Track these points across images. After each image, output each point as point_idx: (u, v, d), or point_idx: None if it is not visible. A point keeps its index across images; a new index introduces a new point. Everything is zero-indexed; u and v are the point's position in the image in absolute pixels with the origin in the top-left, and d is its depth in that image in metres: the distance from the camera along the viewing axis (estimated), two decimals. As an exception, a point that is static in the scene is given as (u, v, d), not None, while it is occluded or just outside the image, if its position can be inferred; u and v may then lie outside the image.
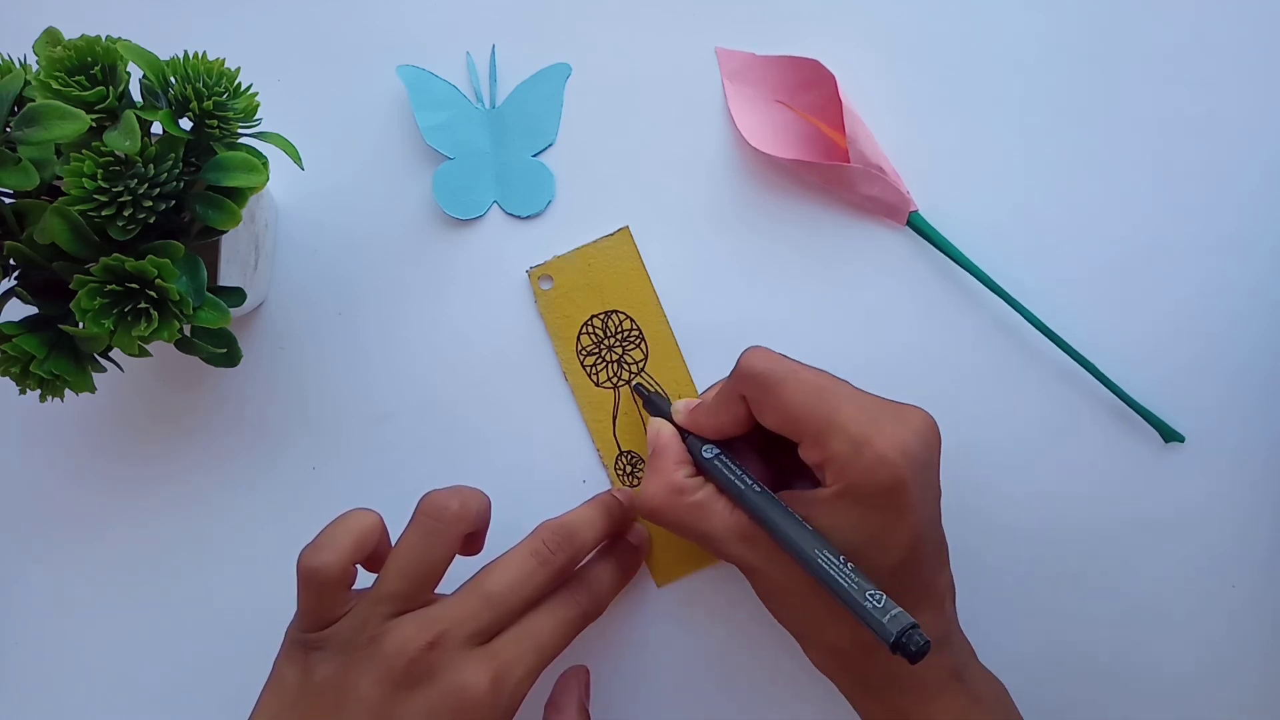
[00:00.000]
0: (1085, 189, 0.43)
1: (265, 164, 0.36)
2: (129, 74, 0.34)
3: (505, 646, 0.35)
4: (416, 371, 0.44)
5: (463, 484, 0.38)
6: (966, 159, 0.43)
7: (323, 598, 0.35)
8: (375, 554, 0.36)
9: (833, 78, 0.42)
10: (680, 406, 0.41)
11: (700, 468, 0.39)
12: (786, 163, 0.43)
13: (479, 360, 0.44)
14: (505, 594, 0.35)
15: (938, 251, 0.43)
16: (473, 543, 0.39)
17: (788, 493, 0.37)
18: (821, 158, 0.43)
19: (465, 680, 0.33)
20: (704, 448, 0.39)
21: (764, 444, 0.39)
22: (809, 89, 0.43)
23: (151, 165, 0.33)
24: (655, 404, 0.42)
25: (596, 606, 0.38)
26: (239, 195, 0.35)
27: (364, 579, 0.37)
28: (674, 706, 0.44)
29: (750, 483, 0.37)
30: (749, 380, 0.37)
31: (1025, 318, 0.42)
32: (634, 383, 0.44)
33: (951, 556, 0.38)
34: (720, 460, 0.38)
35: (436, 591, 0.36)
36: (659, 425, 0.41)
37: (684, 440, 0.40)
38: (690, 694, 0.44)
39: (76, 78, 0.33)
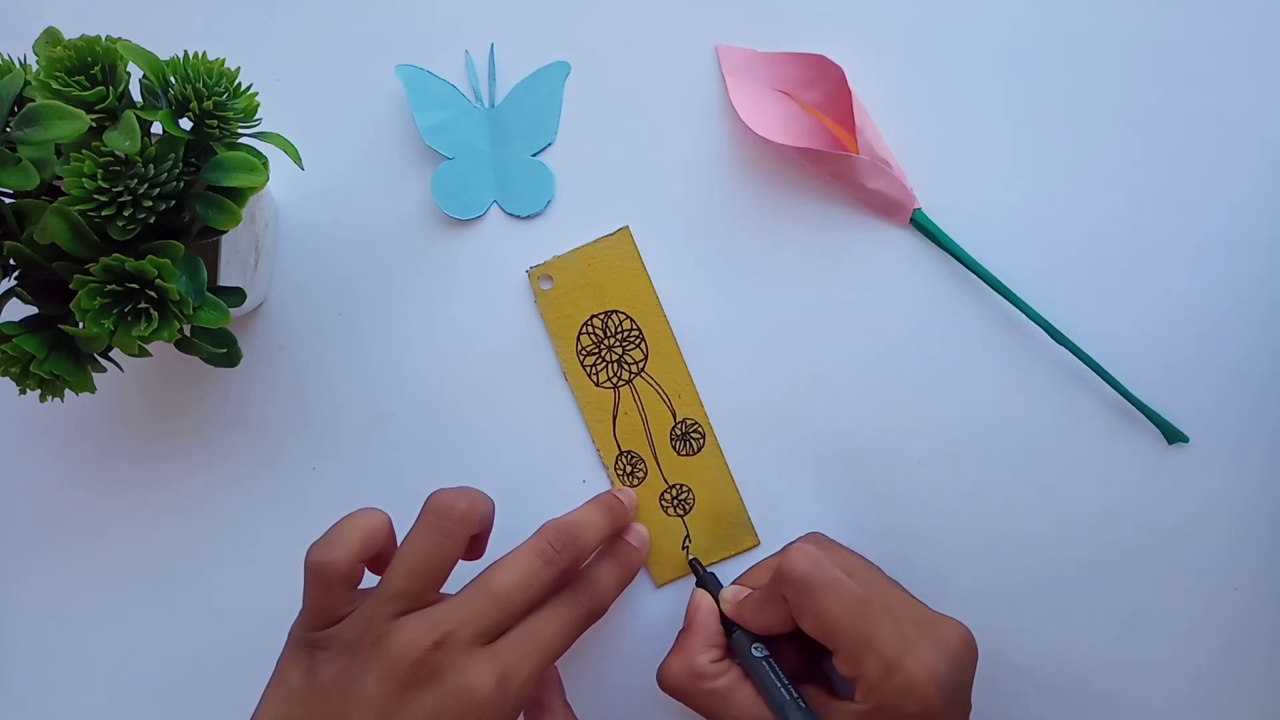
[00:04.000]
0: (1089, 187, 0.43)
1: (265, 164, 0.36)
2: (129, 74, 0.34)
3: (510, 647, 0.35)
4: (416, 371, 0.44)
5: (465, 485, 0.38)
6: (969, 158, 0.43)
7: (330, 595, 0.35)
8: (380, 556, 0.36)
9: (839, 70, 0.42)
10: (729, 596, 0.41)
11: (740, 659, 0.39)
12: (791, 154, 0.43)
13: (479, 360, 0.44)
14: (511, 594, 0.35)
15: (941, 250, 0.43)
16: (476, 546, 0.39)
17: (819, 698, 0.38)
18: (828, 149, 0.43)
19: (471, 680, 0.33)
20: (754, 645, 0.39)
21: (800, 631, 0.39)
22: (813, 85, 0.43)
23: (151, 165, 0.33)
24: (706, 583, 0.42)
25: (599, 606, 0.38)
26: (239, 195, 0.35)
27: (368, 582, 0.37)
28: (673, 707, 0.44)
29: (793, 696, 0.37)
30: (789, 584, 0.37)
31: (1029, 316, 0.42)
32: (691, 557, 0.44)
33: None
34: (769, 662, 0.39)
35: (441, 591, 0.36)
36: (701, 599, 0.41)
37: (730, 630, 0.40)
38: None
39: (76, 78, 0.33)
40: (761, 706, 0.38)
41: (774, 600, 0.38)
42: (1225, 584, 0.43)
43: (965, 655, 0.37)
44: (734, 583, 0.42)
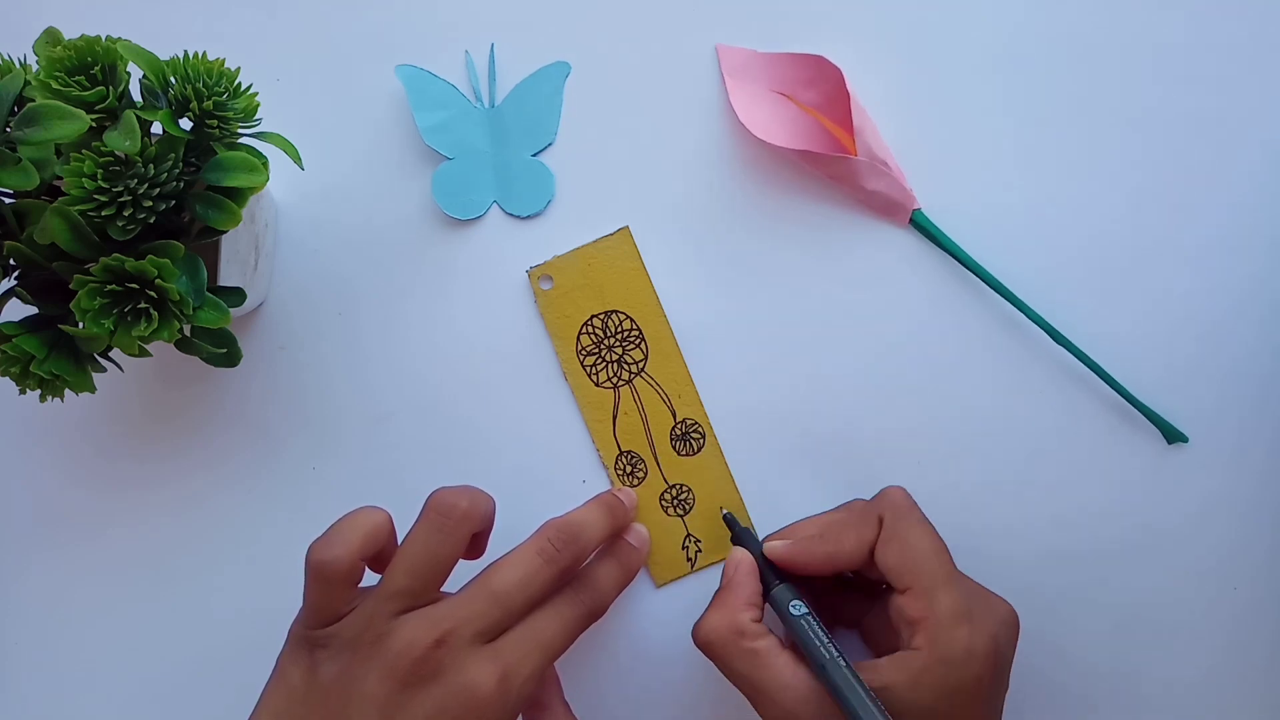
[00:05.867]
0: (1088, 188, 0.43)
1: (265, 164, 0.36)
2: (129, 74, 0.34)
3: (511, 645, 0.35)
4: (416, 371, 0.44)
5: (466, 484, 0.38)
6: (968, 158, 0.43)
7: (331, 593, 0.35)
8: (381, 554, 0.36)
9: (838, 71, 0.42)
10: (778, 544, 0.39)
11: (779, 613, 0.38)
12: (790, 156, 0.43)
13: (479, 360, 0.44)
14: (512, 592, 0.35)
15: (940, 250, 0.43)
16: (476, 545, 0.39)
17: (858, 662, 0.36)
18: (826, 151, 0.43)
19: (472, 679, 0.33)
20: (792, 603, 0.38)
21: (823, 590, 0.39)
22: (812, 85, 0.43)
23: (151, 165, 0.33)
24: (742, 538, 0.41)
25: (600, 606, 0.38)
26: (239, 195, 0.35)
27: (369, 581, 0.37)
28: (673, 706, 0.44)
29: (837, 653, 0.36)
30: (893, 507, 0.38)
31: (1028, 316, 0.42)
32: (725, 512, 0.43)
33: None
34: (810, 620, 0.37)
35: (442, 590, 0.36)
36: (741, 557, 0.40)
37: (768, 588, 0.39)
38: (689, 694, 0.44)
39: (76, 78, 0.33)
40: (801, 674, 0.36)
41: (866, 521, 0.38)
42: (1225, 584, 0.43)
43: (1015, 632, 0.37)
44: (772, 536, 0.41)
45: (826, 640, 0.36)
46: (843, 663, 0.36)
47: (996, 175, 0.43)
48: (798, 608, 0.38)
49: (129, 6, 0.45)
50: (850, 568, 0.38)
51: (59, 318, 0.35)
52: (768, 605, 0.39)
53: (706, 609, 0.39)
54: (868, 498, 0.40)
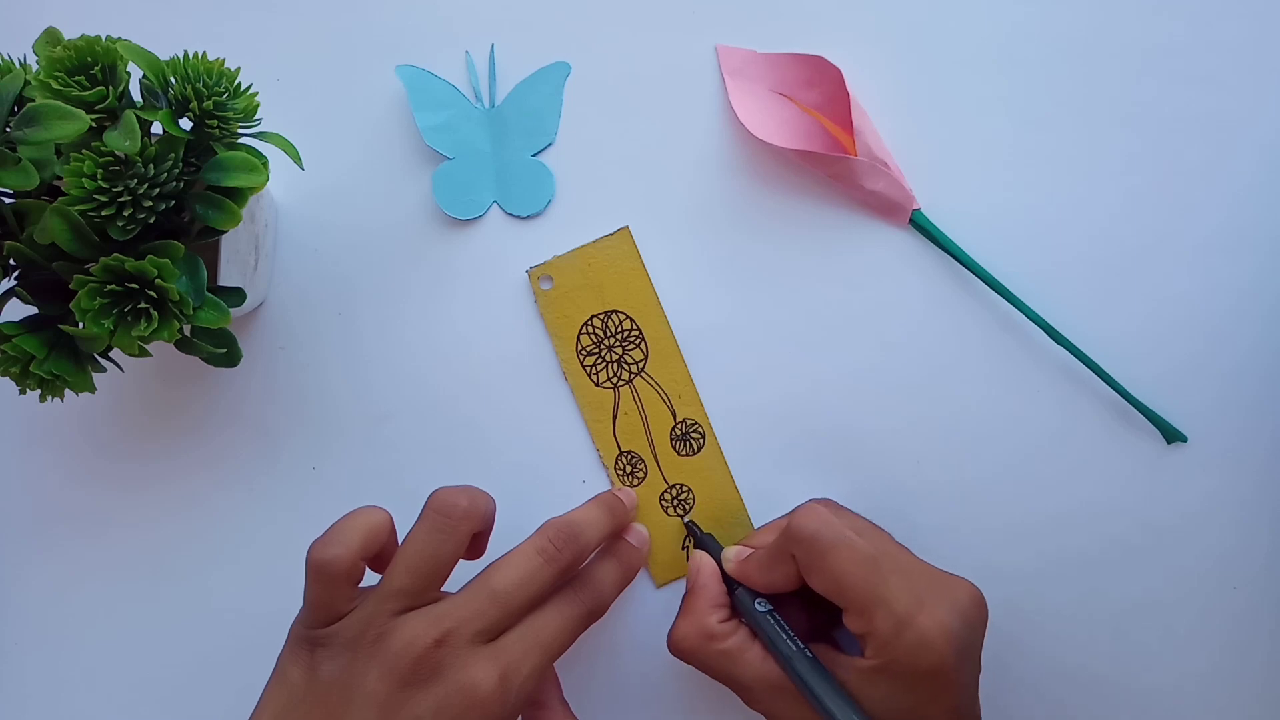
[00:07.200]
0: (1087, 187, 0.43)
1: (265, 164, 0.36)
2: (129, 74, 0.34)
3: (511, 644, 0.35)
4: (416, 371, 0.44)
5: (468, 484, 0.38)
6: (968, 158, 0.43)
7: (331, 592, 0.35)
8: (381, 554, 0.36)
9: (838, 72, 0.42)
10: (731, 555, 0.40)
11: (744, 616, 0.39)
12: (790, 156, 0.43)
13: (479, 360, 0.44)
14: (512, 592, 0.35)
15: (940, 250, 0.43)
16: (477, 545, 0.39)
17: (828, 654, 0.37)
18: (826, 151, 0.43)
19: (473, 678, 0.33)
20: (757, 600, 0.39)
21: (807, 591, 0.39)
22: (812, 86, 0.43)
23: (151, 165, 0.33)
24: (704, 544, 0.42)
25: (600, 605, 0.38)
26: (239, 195, 0.35)
27: (369, 580, 0.37)
28: (673, 706, 0.44)
29: (799, 647, 0.37)
30: (799, 542, 0.37)
31: (1027, 316, 0.42)
32: (686, 519, 0.44)
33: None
34: (773, 616, 0.38)
35: (442, 590, 0.36)
36: (701, 561, 0.41)
37: (732, 588, 0.40)
38: (688, 693, 0.44)
39: (76, 78, 0.33)
40: (771, 664, 0.37)
41: (782, 558, 0.38)
42: (1224, 584, 0.43)
43: (976, 614, 0.36)
44: (737, 545, 0.41)
45: (789, 635, 0.37)
46: (807, 655, 0.37)
47: (996, 175, 0.43)
48: (761, 605, 0.39)
49: (129, 6, 0.45)
50: (795, 589, 0.38)
51: (59, 318, 0.35)
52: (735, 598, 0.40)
53: (676, 617, 0.39)
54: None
